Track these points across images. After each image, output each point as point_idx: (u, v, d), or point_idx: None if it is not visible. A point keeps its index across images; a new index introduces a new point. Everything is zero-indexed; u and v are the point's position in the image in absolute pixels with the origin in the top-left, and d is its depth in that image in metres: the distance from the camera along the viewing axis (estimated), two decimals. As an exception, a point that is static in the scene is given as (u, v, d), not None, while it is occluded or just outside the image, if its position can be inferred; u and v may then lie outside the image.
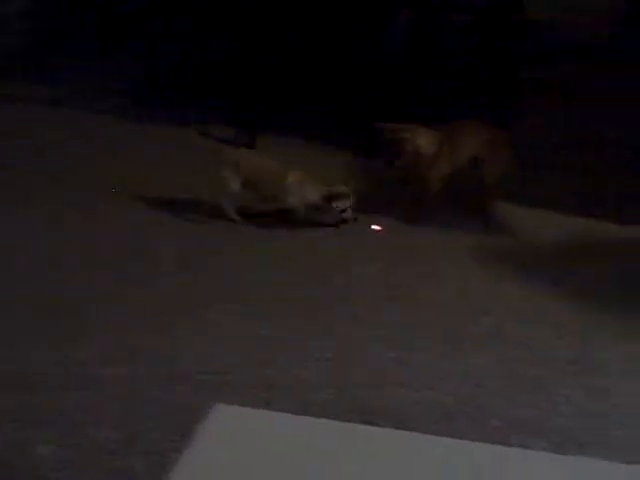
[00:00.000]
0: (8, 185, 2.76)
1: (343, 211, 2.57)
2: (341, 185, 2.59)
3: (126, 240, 2.46)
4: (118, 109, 3.41)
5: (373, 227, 2.58)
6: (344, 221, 2.57)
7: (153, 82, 3.62)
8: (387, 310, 2.14)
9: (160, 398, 1.77)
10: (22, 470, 1.57)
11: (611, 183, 2.87)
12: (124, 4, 3.92)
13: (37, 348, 1.92)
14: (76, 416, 1.71)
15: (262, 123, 3.14)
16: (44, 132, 3.20)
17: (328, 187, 2.57)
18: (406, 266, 2.37)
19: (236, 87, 3.39)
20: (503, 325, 2.08)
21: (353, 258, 2.42)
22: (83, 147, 3.10)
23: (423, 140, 2.53)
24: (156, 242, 2.46)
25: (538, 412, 1.77)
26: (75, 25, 4.01)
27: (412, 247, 2.49)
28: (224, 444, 0.94)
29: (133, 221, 2.57)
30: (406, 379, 1.86)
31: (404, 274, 2.33)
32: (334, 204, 2.55)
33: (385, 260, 2.40)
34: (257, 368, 1.87)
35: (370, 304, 2.18)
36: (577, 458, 1.35)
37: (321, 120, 3.24)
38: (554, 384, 1.87)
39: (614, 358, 1.97)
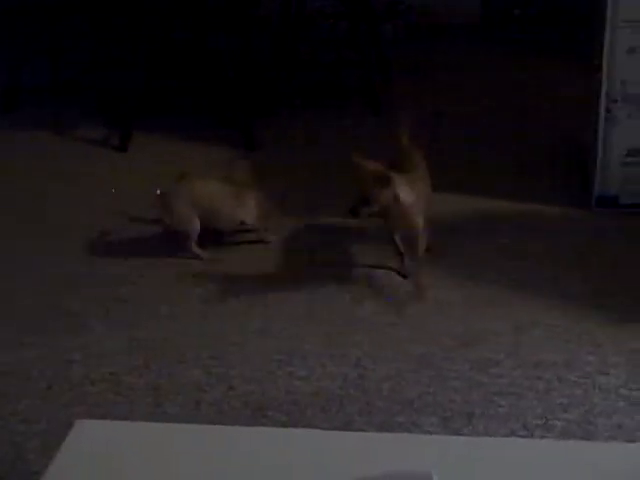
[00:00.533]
0: None
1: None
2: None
3: None
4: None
5: None
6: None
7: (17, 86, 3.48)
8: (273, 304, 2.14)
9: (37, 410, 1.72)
10: None
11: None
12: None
13: None
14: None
15: (135, 123, 3.05)
16: None
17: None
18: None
19: (106, 86, 3.32)
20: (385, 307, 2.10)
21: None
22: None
23: (403, 188, 2.02)
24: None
25: (425, 389, 1.80)
26: None
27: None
28: (88, 461, 0.91)
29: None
30: (293, 370, 1.87)
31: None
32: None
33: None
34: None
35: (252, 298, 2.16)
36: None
37: (197, 117, 3.21)
38: (440, 360, 1.90)
39: (499, 330, 2.00)
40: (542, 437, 1.64)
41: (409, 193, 2.04)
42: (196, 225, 2.29)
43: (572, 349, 1.91)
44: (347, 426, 1.68)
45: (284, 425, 1.65)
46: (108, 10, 3.31)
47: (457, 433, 1.65)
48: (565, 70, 3.33)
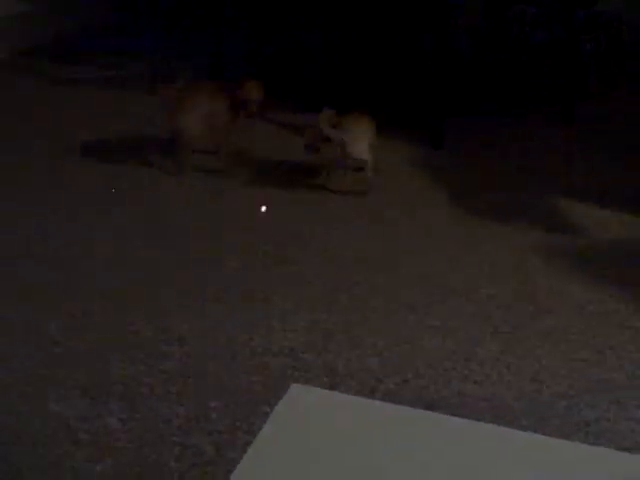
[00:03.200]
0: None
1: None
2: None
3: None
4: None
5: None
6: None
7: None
8: (445, 301, 2.14)
9: (221, 376, 1.80)
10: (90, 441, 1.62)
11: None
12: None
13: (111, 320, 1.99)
14: (143, 390, 1.76)
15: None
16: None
17: None
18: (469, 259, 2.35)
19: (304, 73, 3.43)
20: (567, 325, 2.05)
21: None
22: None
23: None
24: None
25: (602, 414, 1.75)
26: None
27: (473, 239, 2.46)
28: (303, 425, 0.95)
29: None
30: (469, 373, 1.86)
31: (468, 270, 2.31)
32: None
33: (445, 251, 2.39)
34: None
35: (428, 296, 2.16)
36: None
37: (386, 110, 3.26)
38: (622, 387, 1.84)
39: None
40: None
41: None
42: None
43: None
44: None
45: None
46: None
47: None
48: None
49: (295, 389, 1.01)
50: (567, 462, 0.92)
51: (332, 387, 1.76)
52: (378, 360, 1.89)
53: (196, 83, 2.79)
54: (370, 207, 2.65)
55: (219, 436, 1.61)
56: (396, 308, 2.11)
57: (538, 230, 2.51)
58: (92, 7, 4.44)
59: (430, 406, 1.72)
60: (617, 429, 1.70)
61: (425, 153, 3.03)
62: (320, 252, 2.37)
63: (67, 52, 4.10)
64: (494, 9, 3.39)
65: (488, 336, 2.00)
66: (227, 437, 1.58)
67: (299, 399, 1.00)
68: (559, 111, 3.26)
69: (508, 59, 3.48)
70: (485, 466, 0.89)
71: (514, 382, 1.84)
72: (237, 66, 3.60)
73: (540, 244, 2.43)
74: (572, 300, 2.16)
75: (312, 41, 3.36)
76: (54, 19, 4.23)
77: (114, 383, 1.79)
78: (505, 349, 1.96)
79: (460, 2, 3.12)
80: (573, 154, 3.02)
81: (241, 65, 3.67)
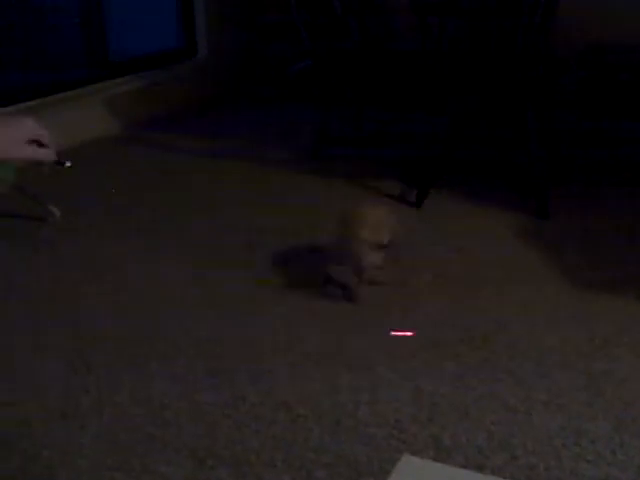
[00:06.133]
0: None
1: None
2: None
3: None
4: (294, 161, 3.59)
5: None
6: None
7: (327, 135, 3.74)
8: (555, 375, 2.08)
9: (327, 446, 1.79)
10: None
11: None
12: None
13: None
14: (249, 456, 1.78)
15: (433, 182, 3.16)
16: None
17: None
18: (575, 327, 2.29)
19: (409, 145, 3.48)
20: None
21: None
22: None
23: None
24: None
25: None
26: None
27: (585, 313, 2.40)
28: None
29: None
30: (580, 451, 1.79)
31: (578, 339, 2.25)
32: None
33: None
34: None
35: (537, 370, 2.12)
36: None
37: (492, 179, 3.25)
38: None
39: None
40: None
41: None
42: None
43: None
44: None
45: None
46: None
47: None
48: None
49: (406, 460, 1.00)
50: None
51: (438, 461, 1.74)
52: (486, 435, 1.85)
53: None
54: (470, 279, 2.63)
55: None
56: (503, 379, 2.06)
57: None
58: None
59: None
60: None
61: (532, 223, 3.00)
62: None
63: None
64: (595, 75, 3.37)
65: (600, 413, 1.93)
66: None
67: (410, 470, 0.99)
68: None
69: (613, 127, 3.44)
70: None
71: (629, 462, 1.77)
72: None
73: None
74: None
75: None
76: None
77: (222, 447, 1.81)
78: (618, 426, 1.88)
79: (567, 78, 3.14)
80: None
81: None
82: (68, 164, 1.37)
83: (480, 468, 1.73)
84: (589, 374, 2.08)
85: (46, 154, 1.33)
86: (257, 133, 4.21)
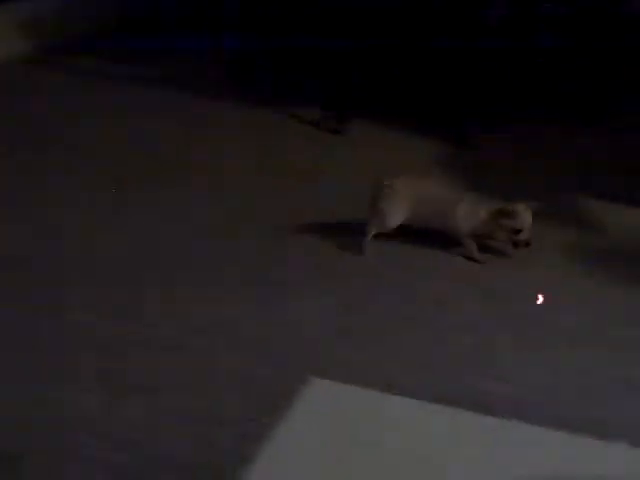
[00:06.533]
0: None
1: (517, 232, 2.26)
2: (516, 203, 2.27)
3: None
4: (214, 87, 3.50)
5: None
6: (515, 244, 2.29)
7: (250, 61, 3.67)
8: (468, 299, 2.13)
9: (238, 369, 1.80)
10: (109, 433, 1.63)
11: None
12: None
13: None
14: (161, 382, 1.77)
15: (353, 108, 3.14)
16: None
17: (500, 205, 2.28)
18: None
19: (329, 71, 3.43)
20: (587, 323, 2.03)
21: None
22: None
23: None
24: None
25: (618, 413, 1.72)
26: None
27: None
28: (320, 419, 0.94)
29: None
30: (484, 368, 1.85)
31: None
32: (503, 222, 2.27)
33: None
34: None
35: (452, 292, 2.16)
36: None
37: (417, 108, 3.25)
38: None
39: None
40: None
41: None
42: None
43: None
44: None
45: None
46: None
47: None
48: None
49: (313, 383, 1.00)
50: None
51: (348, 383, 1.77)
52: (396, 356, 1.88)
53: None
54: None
55: (235, 428, 1.61)
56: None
57: (559, 228, 2.48)
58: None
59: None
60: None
61: (449, 152, 3.02)
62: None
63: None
64: (522, 7, 3.36)
65: (505, 329, 1.99)
66: (243, 430, 1.58)
67: (317, 393, 0.99)
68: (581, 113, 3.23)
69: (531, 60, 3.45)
70: (501, 459, 0.88)
71: (538, 380, 1.83)
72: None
73: (563, 241, 2.41)
74: (589, 296, 2.15)
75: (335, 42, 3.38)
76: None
77: (135, 375, 1.79)
78: (517, 344, 1.94)
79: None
80: (595, 154, 3.00)
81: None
82: None
83: (389, 388, 1.76)
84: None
85: None
86: (169, 58, 4.06)
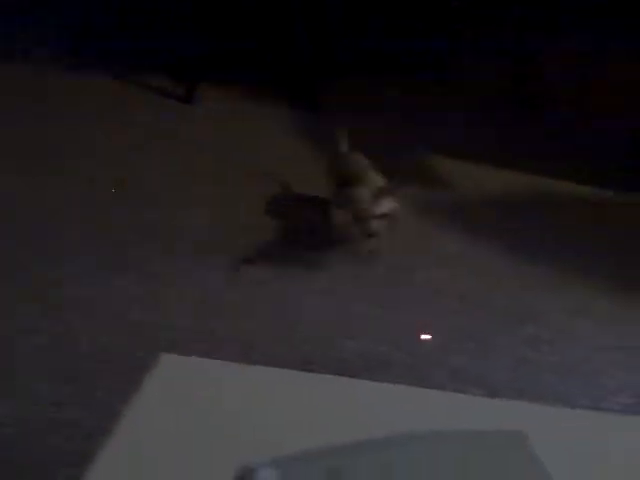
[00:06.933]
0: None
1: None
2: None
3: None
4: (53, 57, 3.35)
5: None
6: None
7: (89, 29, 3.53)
8: (327, 261, 2.17)
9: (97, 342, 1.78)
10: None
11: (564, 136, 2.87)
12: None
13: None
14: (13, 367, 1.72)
15: (201, 74, 3.08)
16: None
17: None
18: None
19: (175, 36, 3.35)
20: (439, 279, 2.13)
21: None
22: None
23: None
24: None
25: (475, 362, 1.83)
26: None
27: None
28: (173, 395, 0.94)
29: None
30: (348, 330, 1.91)
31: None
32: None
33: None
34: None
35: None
36: (510, 402, 1.37)
37: (261, 72, 3.23)
38: (490, 335, 1.92)
39: (550, 310, 2.03)
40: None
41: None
42: None
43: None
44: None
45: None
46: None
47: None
48: None
49: (165, 359, 1.00)
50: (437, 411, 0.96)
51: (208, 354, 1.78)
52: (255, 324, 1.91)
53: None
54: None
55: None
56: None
57: (412, 186, 2.56)
58: None
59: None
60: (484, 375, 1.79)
61: (301, 116, 3.03)
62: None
63: None
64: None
65: (366, 292, 2.05)
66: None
67: (169, 369, 0.99)
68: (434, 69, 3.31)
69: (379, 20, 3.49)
70: (355, 421, 0.91)
71: (390, 336, 1.90)
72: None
73: (414, 199, 2.49)
74: (444, 252, 2.24)
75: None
76: None
77: None
78: (381, 304, 2.01)
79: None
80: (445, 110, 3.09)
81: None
82: None
83: (247, 356, 1.80)
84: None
85: None
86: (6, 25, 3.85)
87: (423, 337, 1.90)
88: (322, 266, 2.15)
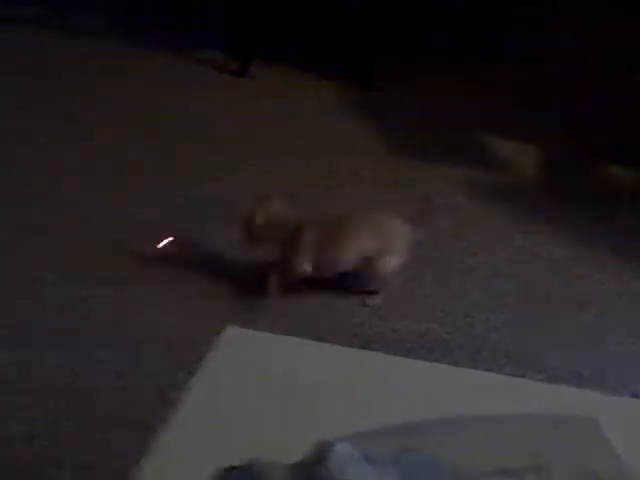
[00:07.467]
0: None
1: None
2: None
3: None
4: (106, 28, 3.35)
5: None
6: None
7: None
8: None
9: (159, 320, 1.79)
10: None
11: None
12: None
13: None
14: (80, 338, 1.74)
15: (257, 51, 3.07)
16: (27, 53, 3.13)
17: None
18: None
19: (231, 12, 3.34)
20: (496, 260, 2.10)
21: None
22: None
23: None
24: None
25: (534, 346, 1.80)
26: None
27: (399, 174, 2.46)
28: (239, 368, 0.94)
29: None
30: (405, 311, 1.89)
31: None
32: None
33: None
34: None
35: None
36: (569, 388, 1.35)
37: (317, 50, 3.21)
38: (549, 319, 1.89)
39: (609, 295, 1.99)
40: None
41: None
42: None
43: None
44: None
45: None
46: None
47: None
48: None
49: (230, 331, 0.99)
50: (493, 394, 0.94)
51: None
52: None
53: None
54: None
55: (157, 378, 1.60)
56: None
57: (463, 167, 2.52)
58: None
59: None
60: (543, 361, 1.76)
61: (354, 93, 3.01)
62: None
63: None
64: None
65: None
66: (166, 379, 1.57)
67: (235, 342, 0.99)
68: (484, 49, 3.26)
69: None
70: (423, 401, 0.90)
71: (447, 317, 1.88)
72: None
73: (465, 180, 2.45)
74: (504, 234, 2.20)
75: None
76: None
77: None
78: (437, 285, 1.99)
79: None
80: (496, 92, 3.04)
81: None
82: None
83: (307, 333, 1.79)
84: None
85: None
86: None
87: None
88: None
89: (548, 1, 3.56)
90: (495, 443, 0.84)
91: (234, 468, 0.70)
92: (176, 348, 1.67)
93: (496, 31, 3.35)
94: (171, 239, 2.04)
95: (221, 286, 1.92)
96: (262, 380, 0.91)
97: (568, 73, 3.13)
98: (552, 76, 3.10)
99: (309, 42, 3.28)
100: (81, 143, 2.53)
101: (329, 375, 0.93)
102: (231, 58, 3.11)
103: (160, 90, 2.92)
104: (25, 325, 1.76)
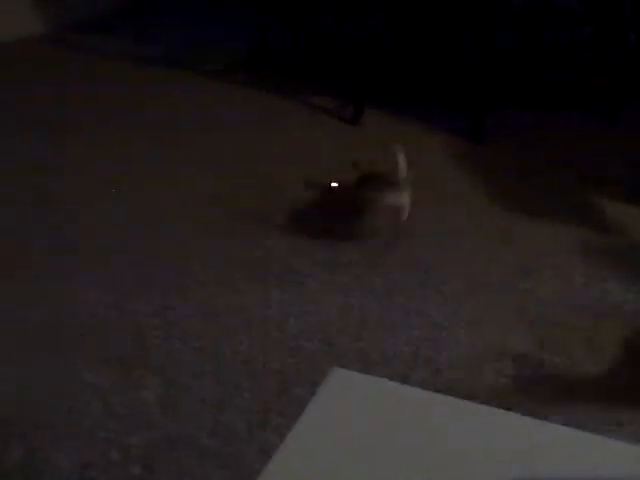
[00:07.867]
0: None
1: None
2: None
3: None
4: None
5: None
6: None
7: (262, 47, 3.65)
8: (483, 297, 2.13)
9: (252, 356, 1.81)
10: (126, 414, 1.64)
11: None
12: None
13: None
14: (178, 368, 1.78)
15: (369, 99, 3.12)
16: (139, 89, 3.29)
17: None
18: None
19: (346, 59, 3.41)
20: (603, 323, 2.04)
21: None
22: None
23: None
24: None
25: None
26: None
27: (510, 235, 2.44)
28: (345, 410, 0.95)
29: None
30: (501, 367, 1.85)
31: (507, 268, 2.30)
32: None
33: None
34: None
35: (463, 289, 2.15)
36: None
37: (430, 101, 3.23)
38: None
39: None
40: None
41: None
42: None
43: None
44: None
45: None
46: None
47: None
48: None
49: (335, 373, 1.01)
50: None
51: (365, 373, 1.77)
52: (412, 349, 1.89)
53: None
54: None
55: (251, 415, 1.62)
56: (431, 298, 2.10)
57: (577, 228, 2.47)
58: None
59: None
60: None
61: (465, 147, 3.00)
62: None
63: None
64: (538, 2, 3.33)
65: (522, 331, 1.99)
66: (260, 417, 1.59)
67: (339, 382, 1.00)
68: (602, 109, 3.20)
69: (551, 54, 3.42)
70: (520, 455, 0.89)
71: (547, 378, 1.83)
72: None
73: (578, 242, 2.40)
74: (608, 299, 2.14)
75: (353, 30, 3.37)
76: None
77: (150, 357, 1.80)
78: (540, 344, 1.94)
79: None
80: (615, 153, 2.97)
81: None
82: None
83: (405, 380, 1.78)
84: (514, 294, 2.13)
85: None
86: (186, 39, 4.04)
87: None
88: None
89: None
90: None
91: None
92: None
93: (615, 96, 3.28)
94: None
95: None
96: (364, 423, 0.92)
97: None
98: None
99: (422, 93, 3.31)
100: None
101: (439, 427, 0.93)
102: (344, 105, 3.17)
103: (272, 130, 3.01)
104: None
